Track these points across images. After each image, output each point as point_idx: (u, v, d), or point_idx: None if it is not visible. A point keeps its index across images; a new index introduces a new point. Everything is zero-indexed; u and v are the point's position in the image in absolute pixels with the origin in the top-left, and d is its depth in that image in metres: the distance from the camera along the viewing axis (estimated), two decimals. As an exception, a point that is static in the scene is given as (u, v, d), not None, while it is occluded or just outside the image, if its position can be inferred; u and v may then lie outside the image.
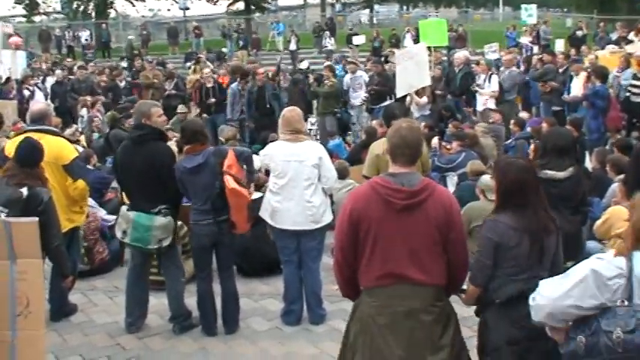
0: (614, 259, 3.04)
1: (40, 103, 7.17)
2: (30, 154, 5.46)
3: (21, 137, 5.96)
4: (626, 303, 2.95)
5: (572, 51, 16.92)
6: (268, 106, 13.79)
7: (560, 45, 21.93)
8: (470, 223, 7.35)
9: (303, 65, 22.07)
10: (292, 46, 29.77)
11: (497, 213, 3.91)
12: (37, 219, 4.66)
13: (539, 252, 3.80)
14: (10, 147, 5.97)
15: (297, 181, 6.02)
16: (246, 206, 5.87)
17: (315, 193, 6.05)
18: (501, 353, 3.88)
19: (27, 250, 4.56)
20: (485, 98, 13.50)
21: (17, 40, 21.58)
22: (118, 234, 6.07)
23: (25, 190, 5.18)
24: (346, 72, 16.00)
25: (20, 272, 4.53)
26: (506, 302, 3.83)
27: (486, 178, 7.87)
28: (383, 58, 18.45)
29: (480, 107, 13.82)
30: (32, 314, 4.56)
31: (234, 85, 14.21)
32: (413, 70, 10.63)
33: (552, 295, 3.13)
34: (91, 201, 8.49)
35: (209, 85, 14.83)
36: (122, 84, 18.14)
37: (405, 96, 12.68)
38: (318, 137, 13.79)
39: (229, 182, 5.70)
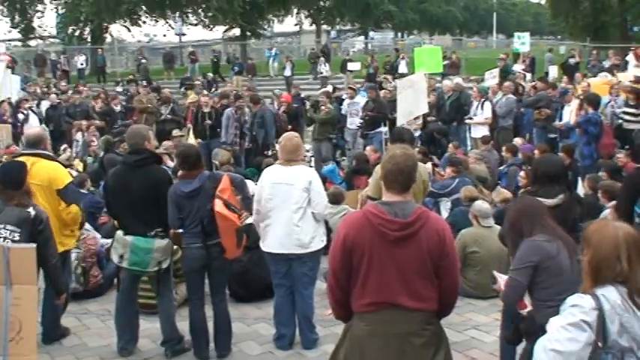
0: (584, 301, 3.04)
1: (36, 127, 7.24)
2: (15, 174, 5.50)
3: (21, 159, 6.02)
4: (600, 345, 2.97)
5: (565, 78, 17.05)
6: (254, 133, 13.92)
7: (553, 72, 22.08)
8: (464, 249, 7.41)
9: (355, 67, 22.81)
10: (287, 72, 29.95)
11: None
12: (34, 245, 4.70)
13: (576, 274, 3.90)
14: None
15: (286, 204, 6.02)
16: (235, 231, 5.84)
17: (304, 217, 6.04)
18: None
19: (23, 276, 4.58)
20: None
21: (7, 58, 21.69)
22: (115, 258, 6.05)
23: (32, 210, 5.26)
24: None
25: (15, 298, 4.54)
26: (534, 333, 3.89)
27: (480, 204, 7.95)
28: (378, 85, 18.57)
29: (474, 134, 13.94)
30: (24, 340, 4.57)
31: (228, 109, 14.38)
32: (412, 98, 10.74)
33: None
34: (87, 225, 8.54)
35: (206, 109, 14.89)
36: (117, 108, 18.21)
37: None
38: (312, 164, 13.84)
39: (217, 205, 5.71)
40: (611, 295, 3.01)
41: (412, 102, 10.72)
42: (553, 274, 4.13)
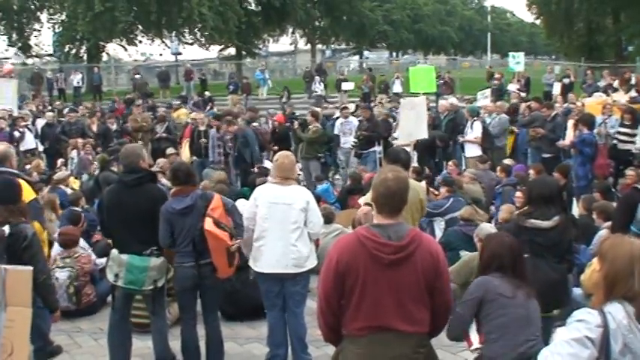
0: (591, 317, 3.05)
1: (0, 144, 7.25)
2: (7, 191, 5.48)
3: None
4: None
5: (559, 98, 17.12)
6: (236, 154, 13.95)
7: (557, 89, 22.04)
8: (467, 278, 7.19)
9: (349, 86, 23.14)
10: (284, 99, 29.69)
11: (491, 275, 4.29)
12: (31, 268, 4.67)
13: (528, 314, 3.96)
14: None
15: (284, 224, 6.00)
16: (226, 250, 5.82)
17: (301, 237, 6.02)
18: None
19: (18, 299, 4.54)
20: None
21: (7, 68, 21.73)
22: (110, 277, 6.02)
23: (6, 228, 5.20)
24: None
25: (9, 320, 4.51)
26: None
27: (486, 227, 7.80)
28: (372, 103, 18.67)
29: (467, 153, 13.98)
30: None
31: (212, 130, 14.56)
32: (413, 121, 10.78)
33: None
34: (83, 243, 8.53)
35: (202, 128, 14.92)
36: (114, 127, 18.22)
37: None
38: (304, 183, 13.84)
39: (207, 224, 5.70)
40: (618, 314, 3.01)
41: (413, 124, 10.78)
42: (499, 307, 4.20)
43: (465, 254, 7.77)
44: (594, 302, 3.13)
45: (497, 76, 24.29)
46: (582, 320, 3.04)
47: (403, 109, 11.16)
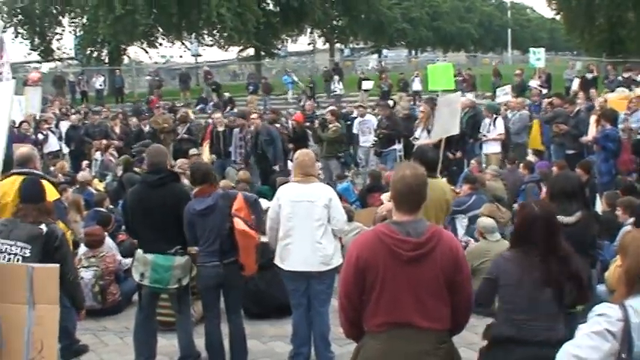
0: (612, 311, 3.04)
1: (24, 146, 7.38)
2: (34, 190, 5.57)
3: (10, 179, 6.21)
4: (623, 356, 2.97)
5: (581, 93, 16.99)
6: (260, 152, 13.96)
7: (575, 85, 21.88)
8: (472, 263, 7.37)
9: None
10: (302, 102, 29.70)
11: (509, 250, 4.05)
12: (58, 265, 4.74)
13: (543, 296, 3.87)
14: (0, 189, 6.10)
15: (308, 221, 6.03)
16: (255, 248, 5.92)
17: (325, 234, 6.05)
18: None
19: (46, 296, 4.61)
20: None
21: (35, 76, 22.00)
22: (136, 277, 6.11)
23: (44, 227, 5.31)
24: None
25: (38, 317, 4.58)
26: (496, 343, 3.91)
27: (484, 220, 8.05)
28: (392, 102, 18.59)
29: (485, 150, 13.94)
30: (45, 359, 4.60)
31: (236, 129, 14.61)
32: (447, 118, 10.77)
33: None
34: (111, 242, 8.64)
35: (220, 128, 15.01)
36: (146, 129, 18.29)
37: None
38: (325, 182, 13.86)
39: (239, 224, 5.77)
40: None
41: (447, 121, 10.76)
42: (505, 294, 4.11)
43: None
44: (615, 297, 3.13)
45: (517, 72, 24.08)
46: (603, 314, 3.04)
47: (440, 107, 11.15)
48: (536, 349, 3.81)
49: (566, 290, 4.01)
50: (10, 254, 5.21)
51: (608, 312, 3.03)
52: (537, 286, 3.90)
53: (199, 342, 6.32)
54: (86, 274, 7.90)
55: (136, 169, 11.83)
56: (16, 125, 15.32)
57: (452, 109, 10.84)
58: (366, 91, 28.88)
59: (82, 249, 8.31)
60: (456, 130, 11.00)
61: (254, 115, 15.09)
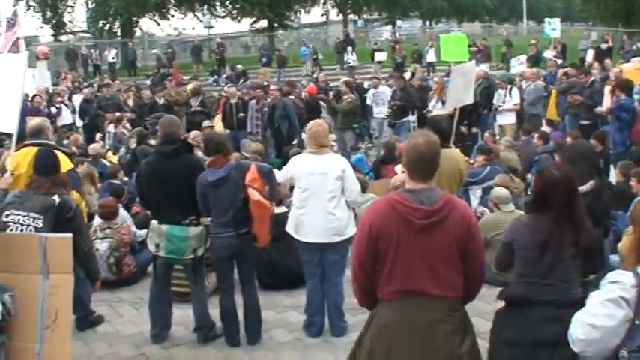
0: (625, 278, 3.02)
1: (36, 118, 7.42)
2: (48, 162, 5.59)
3: (24, 150, 6.23)
4: (637, 322, 2.95)
5: (596, 64, 16.81)
6: (276, 125, 13.94)
7: (590, 56, 21.64)
8: (486, 235, 7.39)
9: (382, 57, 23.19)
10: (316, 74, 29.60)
11: (526, 215, 4.06)
12: (71, 235, 4.78)
13: (557, 259, 3.86)
14: (13, 161, 6.14)
15: (321, 193, 6.05)
16: (269, 218, 5.95)
17: (339, 205, 6.07)
18: (499, 353, 3.99)
19: (60, 265, 4.66)
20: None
21: (43, 49, 22.05)
22: (151, 247, 6.17)
23: (56, 198, 5.33)
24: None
25: (52, 286, 4.63)
26: (511, 304, 3.92)
27: (498, 190, 8.02)
28: (409, 74, 18.47)
29: (499, 121, 13.88)
30: (59, 327, 4.66)
31: (252, 101, 14.66)
32: (462, 87, 10.71)
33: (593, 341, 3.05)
34: (125, 213, 8.70)
35: (233, 101, 15.01)
36: (161, 101, 18.29)
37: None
38: (339, 153, 13.86)
39: (254, 195, 5.77)
40: None
41: (461, 90, 10.70)
42: (520, 258, 4.10)
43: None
44: (626, 264, 3.12)
45: (532, 42, 23.81)
46: (616, 281, 3.03)
47: (454, 76, 11.08)
48: (552, 310, 3.80)
49: (579, 252, 4.01)
50: (23, 225, 5.24)
51: (621, 279, 3.02)
52: (550, 247, 3.90)
53: (214, 312, 6.38)
54: (101, 246, 7.97)
55: (150, 142, 11.87)
56: (29, 99, 15.42)
57: (466, 78, 10.77)
58: (379, 62, 28.65)
59: (97, 221, 8.37)
60: (470, 100, 10.95)
61: (273, 87, 15.07)
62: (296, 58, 34.19)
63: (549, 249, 3.89)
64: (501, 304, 4.27)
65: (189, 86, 18.15)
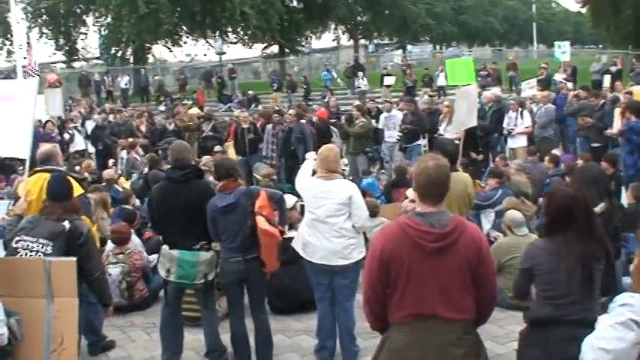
0: (634, 300, 3.03)
1: (46, 144, 7.49)
2: (60, 187, 5.62)
3: (34, 177, 6.25)
4: None
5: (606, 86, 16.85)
6: (292, 148, 13.99)
7: (607, 81, 21.60)
8: (500, 260, 7.36)
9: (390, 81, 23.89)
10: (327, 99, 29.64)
11: (541, 239, 4.04)
12: (75, 259, 4.81)
13: (581, 278, 3.86)
14: (25, 187, 6.19)
15: (327, 218, 6.07)
16: (277, 246, 5.93)
17: (345, 230, 6.06)
18: None
19: (64, 289, 4.69)
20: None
21: (52, 78, 22.29)
22: (162, 273, 6.16)
23: (67, 224, 5.34)
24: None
25: (57, 310, 4.66)
26: (536, 325, 3.89)
27: (511, 213, 7.95)
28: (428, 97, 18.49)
29: (511, 145, 13.89)
30: (66, 351, 4.69)
31: (269, 125, 14.78)
32: (465, 110, 10.75)
33: None
34: (137, 240, 8.74)
35: (245, 125, 15.10)
36: (171, 127, 18.41)
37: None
38: (350, 177, 13.88)
39: (261, 223, 5.77)
40: None
41: (465, 113, 10.74)
42: (541, 282, 4.07)
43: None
44: (634, 286, 3.12)
45: (543, 65, 23.88)
46: (626, 304, 3.03)
47: (458, 100, 11.12)
48: (574, 329, 3.77)
49: (600, 269, 3.99)
50: (32, 251, 5.24)
51: (630, 301, 3.02)
52: (574, 268, 3.87)
53: (225, 337, 6.37)
54: (113, 271, 8.00)
55: (162, 167, 11.93)
56: (41, 125, 15.56)
57: (469, 101, 10.81)
58: (388, 86, 28.78)
59: (109, 246, 8.41)
60: (473, 123, 11.00)
61: (291, 112, 15.17)
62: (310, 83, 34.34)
63: (574, 269, 3.86)
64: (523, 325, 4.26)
65: (192, 110, 18.25)
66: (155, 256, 7.97)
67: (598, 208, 5.42)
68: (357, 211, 6.12)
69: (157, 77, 33.87)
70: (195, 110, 19.96)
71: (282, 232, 6.12)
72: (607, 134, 12.77)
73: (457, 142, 12.45)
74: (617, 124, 12.41)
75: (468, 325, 3.70)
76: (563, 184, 5.59)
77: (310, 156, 6.83)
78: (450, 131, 11.57)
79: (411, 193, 6.67)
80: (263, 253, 5.91)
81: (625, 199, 9.58)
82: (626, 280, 6.53)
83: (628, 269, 6.60)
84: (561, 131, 15.47)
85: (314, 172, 6.39)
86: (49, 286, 4.68)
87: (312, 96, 30.95)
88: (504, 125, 14.21)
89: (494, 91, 17.01)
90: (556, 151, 13.23)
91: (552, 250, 3.96)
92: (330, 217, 6.06)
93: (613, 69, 25.02)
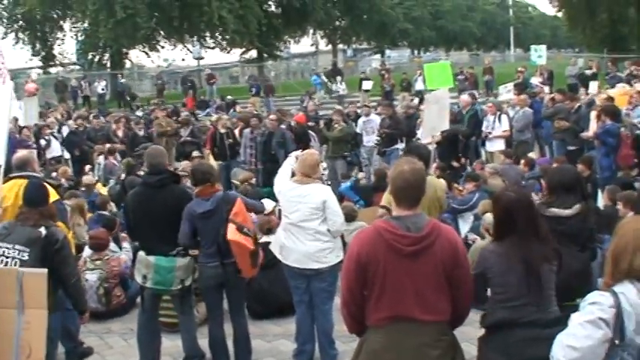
0: (603, 299, 3.07)
1: (22, 151, 7.43)
2: (37, 193, 5.57)
3: (9, 183, 6.16)
4: (616, 342, 3.00)
5: (582, 90, 17.00)
6: (273, 152, 13.96)
7: (593, 87, 21.69)
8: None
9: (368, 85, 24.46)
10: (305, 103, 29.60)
11: (492, 242, 4.06)
12: (46, 270, 4.77)
13: (531, 280, 3.87)
14: (0, 193, 6.11)
15: (302, 221, 6.10)
16: (249, 254, 5.86)
17: (319, 234, 6.09)
18: None
19: (35, 301, 4.65)
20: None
21: (31, 88, 22.12)
22: (139, 279, 6.14)
23: (43, 230, 5.28)
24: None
25: (26, 322, 4.62)
26: (493, 329, 3.91)
27: (489, 216, 7.97)
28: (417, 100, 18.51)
29: (489, 148, 13.96)
30: None
31: (247, 130, 14.70)
32: (436, 114, 10.76)
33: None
34: (113, 246, 8.67)
35: (222, 130, 15.05)
36: (141, 133, 18.36)
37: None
38: (329, 182, 13.88)
39: (230, 232, 5.74)
40: (631, 293, 3.04)
41: (436, 118, 10.76)
42: (494, 284, 4.07)
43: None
44: (604, 281, 3.17)
45: (520, 69, 24.04)
46: (595, 302, 3.08)
47: (428, 104, 11.15)
48: (531, 330, 3.81)
49: (553, 269, 4.01)
50: (8, 257, 5.17)
51: (600, 300, 3.06)
52: (525, 269, 3.89)
53: (203, 342, 6.35)
54: (91, 277, 7.95)
55: (139, 173, 11.86)
56: (17, 131, 15.43)
57: (440, 105, 10.84)
58: (366, 91, 28.84)
59: (87, 252, 8.34)
60: (445, 126, 11.05)
61: (272, 117, 15.15)
62: (285, 88, 34.33)
63: (523, 271, 3.89)
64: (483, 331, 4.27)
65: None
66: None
67: (572, 210, 5.45)
68: (331, 215, 6.14)
69: (122, 80, 33.54)
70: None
71: (255, 240, 6.04)
72: (583, 137, 12.90)
73: (434, 145, 12.60)
74: (593, 127, 12.55)
75: (444, 327, 3.72)
76: (509, 187, 5.60)
77: (293, 155, 6.83)
78: (422, 136, 11.59)
79: (385, 198, 6.70)
80: (237, 260, 5.89)
81: (601, 201, 9.68)
82: (601, 281, 6.59)
83: (603, 271, 6.67)
84: (537, 135, 15.56)
85: (294, 174, 6.39)
86: (21, 297, 4.63)
87: (291, 100, 30.95)
88: (483, 129, 14.27)
89: (471, 94, 17.07)
90: (532, 155, 13.32)
91: (502, 252, 3.99)
92: (304, 221, 6.09)
93: (588, 72, 25.27)
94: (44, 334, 4.72)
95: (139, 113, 25.98)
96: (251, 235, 5.91)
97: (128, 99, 31.17)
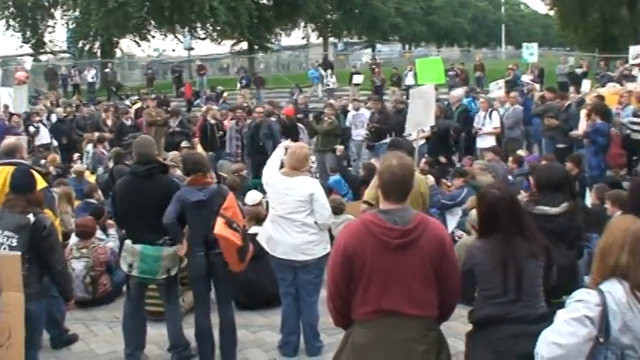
0: (590, 297, 3.08)
1: (11, 137, 7.40)
2: (24, 180, 5.54)
3: None
4: (601, 340, 3.02)
5: (572, 88, 17.06)
6: (261, 144, 13.93)
7: (586, 86, 21.77)
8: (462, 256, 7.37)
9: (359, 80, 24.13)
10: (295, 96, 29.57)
11: (477, 239, 4.07)
12: (19, 253, 4.76)
13: (517, 276, 3.88)
14: None
15: (289, 214, 6.11)
16: (236, 250, 5.80)
17: (306, 227, 6.11)
18: None
19: (11, 284, 4.64)
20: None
21: (21, 75, 22.00)
22: (124, 267, 6.12)
23: (31, 217, 5.27)
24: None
25: (5, 305, 4.61)
26: (481, 325, 3.92)
27: (475, 213, 7.98)
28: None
29: (480, 144, 13.99)
30: (13, 346, 4.65)
31: (232, 121, 14.72)
32: (421, 110, 10.74)
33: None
34: (100, 234, 8.65)
35: (212, 121, 15.02)
36: (129, 122, 18.29)
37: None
38: (318, 175, 13.88)
39: (217, 227, 5.68)
40: (617, 292, 3.06)
41: (421, 113, 10.73)
42: (481, 281, 4.06)
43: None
44: (591, 279, 3.18)
45: (511, 67, 24.09)
46: (581, 300, 3.09)
47: (413, 99, 11.13)
48: (519, 326, 3.81)
49: (540, 265, 4.02)
50: None
51: (586, 298, 3.08)
52: (511, 265, 3.89)
53: (189, 332, 6.34)
54: (77, 265, 7.92)
55: (127, 162, 11.82)
56: (7, 118, 15.35)
57: (425, 101, 10.82)
58: (356, 85, 28.82)
59: (73, 239, 8.31)
60: (430, 123, 11.06)
61: (259, 109, 15.09)
62: (276, 80, 34.26)
63: (509, 267, 3.90)
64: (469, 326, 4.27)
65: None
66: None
67: (560, 208, 5.46)
68: (319, 208, 6.16)
69: (106, 70, 33.36)
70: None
71: (243, 237, 6.00)
72: (572, 135, 12.94)
73: (424, 141, 12.62)
74: (583, 126, 12.60)
75: (431, 322, 3.72)
76: (494, 184, 5.60)
77: (282, 145, 6.81)
78: (407, 132, 11.57)
79: (367, 193, 6.70)
80: (224, 254, 5.87)
81: (589, 199, 9.71)
82: (588, 278, 6.62)
83: (590, 270, 6.70)
84: (526, 132, 15.62)
85: (283, 165, 6.39)
86: (-2, 280, 4.63)
87: (281, 93, 30.91)
88: (474, 125, 14.30)
89: (460, 91, 17.10)
90: (521, 152, 13.36)
91: (487, 249, 3.99)
92: (291, 213, 6.10)
93: (579, 71, 25.36)
94: (22, 317, 4.72)
95: (128, 102, 25.90)
96: (240, 231, 5.88)
97: (114, 90, 30.99)
